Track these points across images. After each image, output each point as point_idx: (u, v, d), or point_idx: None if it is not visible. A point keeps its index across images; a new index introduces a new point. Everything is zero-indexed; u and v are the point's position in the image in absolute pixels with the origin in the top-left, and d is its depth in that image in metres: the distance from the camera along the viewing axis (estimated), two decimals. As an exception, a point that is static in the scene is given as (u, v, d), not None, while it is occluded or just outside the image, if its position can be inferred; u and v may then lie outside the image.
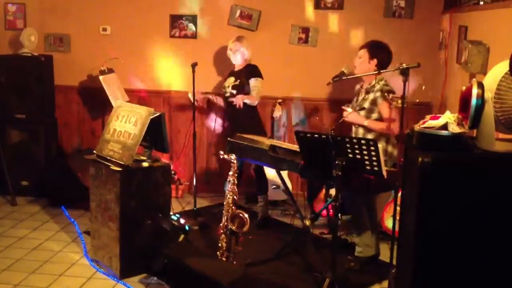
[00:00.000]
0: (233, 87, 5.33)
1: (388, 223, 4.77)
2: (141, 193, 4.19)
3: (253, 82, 5.30)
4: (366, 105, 4.26)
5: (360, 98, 4.38)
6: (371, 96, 4.26)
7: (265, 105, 5.79)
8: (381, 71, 4.24)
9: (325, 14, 5.93)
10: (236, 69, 5.45)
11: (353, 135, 4.36)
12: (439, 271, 2.51)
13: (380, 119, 4.26)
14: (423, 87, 5.10)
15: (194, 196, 5.45)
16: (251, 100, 5.29)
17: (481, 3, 4.23)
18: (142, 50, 6.27)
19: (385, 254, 4.35)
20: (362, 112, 4.28)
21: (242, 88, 5.30)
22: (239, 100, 5.23)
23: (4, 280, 4.11)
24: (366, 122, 4.27)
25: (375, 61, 4.31)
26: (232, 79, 5.40)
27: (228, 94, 5.37)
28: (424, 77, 5.27)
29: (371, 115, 4.27)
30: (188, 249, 4.51)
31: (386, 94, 4.20)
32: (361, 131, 4.31)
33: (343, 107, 4.41)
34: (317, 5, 5.94)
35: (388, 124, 4.20)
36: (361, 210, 4.33)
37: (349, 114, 4.31)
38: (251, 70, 5.36)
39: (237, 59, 5.40)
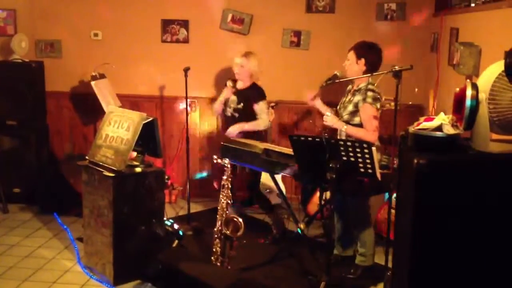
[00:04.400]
0: (235, 110, 5.09)
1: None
2: (134, 199, 4.17)
3: (258, 106, 5.03)
4: (350, 107, 4.24)
5: (347, 100, 4.36)
6: (355, 99, 4.24)
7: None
8: (374, 73, 4.22)
9: (317, 18, 5.94)
10: (240, 87, 5.13)
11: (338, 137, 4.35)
12: (435, 273, 2.50)
13: (361, 124, 4.23)
14: (416, 89, 5.11)
15: (188, 201, 5.43)
16: (254, 127, 5.01)
17: (472, 5, 4.24)
18: (133, 55, 6.25)
19: (380, 257, 4.34)
20: (346, 115, 4.26)
21: (245, 113, 5.05)
22: (234, 130, 4.99)
23: (-4, 288, 4.08)
24: (344, 128, 4.22)
25: (362, 61, 4.27)
26: (235, 99, 5.10)
27: (229, 115, 5.12)
28: (416, 79, 5.28)
29: (354, 119, 4.23)
30: (182, 254, 4.49)
31: (368, 96, 4.16)
32: (344, 134, 4.30)
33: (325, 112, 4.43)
34: (309, 8, 5.94)
35: (367, 133, 4.17)
36: (367, 221, 4.34)
37: (328, 118, 4.30)
38: (256, 94, 5.06)
39: (241, 77, 5.10)
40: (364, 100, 4.16)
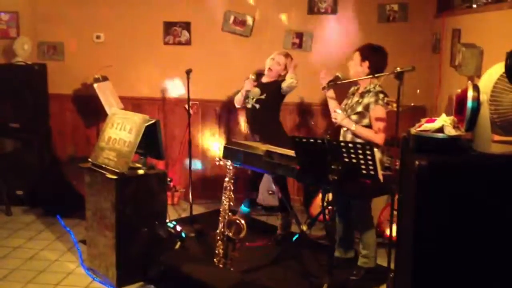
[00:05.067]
0: (257, 101, 5.07)
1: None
2: (137, 201, 4.17)
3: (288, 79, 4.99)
4: (359, 109, 4.25)
5: (354, 101, 4.36)
6: (365, 100, 4.25)
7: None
8: (376, 75, 4.22)
9: (319, 19, 5.95)
10: (265, 80, 5.15)
11: (341, 139, 4.34)
12: (438, 273, 2.50)
13: (370, 125, 4.24)
14: (418, 90, 5.10)
15: (191, 203, 5.43)
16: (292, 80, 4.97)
17: (474, 6, 4.24)
18: (136, 57, 6.27)
19: (382, 258, 4.34)
20: (354, 117, 4.27)
21: (267, 103, 5.06)
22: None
23: (-1, 290, 4.09)
24: (353, 127, 4.23)
25: (367, 63, 4.28)
26: (257, 91, 5.09)
27: (250, 106, 5.12)
28: (418, 80, 5.26)
29: (363, 120, 4.24)
30: (185, 256, 4.50)
31: (380, 98, 4.18)
32: (349, 135, 4.30)
33: (335, 109, 4.42)
34: (311, 10, 5.95)
35: (375, 133, 4.18)
36: (370, 222, 4.34)
37: (339, 115, 4.31)
38: (279, 83, 5.04)
39: (273, 74, 5.09)
40: (376, 102, 4.17)
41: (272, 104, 5.10)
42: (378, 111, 4.18)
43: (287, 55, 5.13)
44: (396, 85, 3.79)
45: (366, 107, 4.22)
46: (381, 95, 4.19)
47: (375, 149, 3.80)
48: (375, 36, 5.50)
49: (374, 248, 4.34)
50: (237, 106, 5.35)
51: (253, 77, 5.12)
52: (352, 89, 4.52)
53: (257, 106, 5.08)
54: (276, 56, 5.11)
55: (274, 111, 5.14)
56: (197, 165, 6.26)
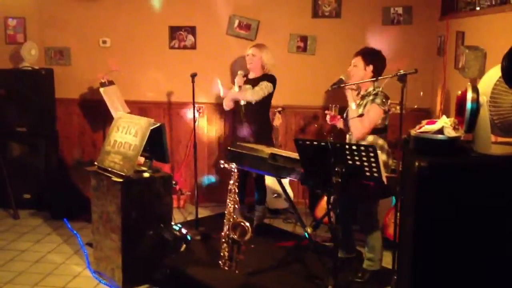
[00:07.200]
0: None
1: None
2: (143, 204, 4.20)
3: (261, 83, 5.18)
4: (361, 111, 4.27)
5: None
6: (365, 101, 4.27)
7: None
8: (379, 77, 4.25)
9: (323, 23, 5.96)
10: (252, 76, 5.34)
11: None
12: (438, 274, 2.51)
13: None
14: (421, 93, 5.12)
15: (196, 206, 5.46)
16: (240, 94, 5.21)
17: (478, 8, 4.25)
18: (142, 62, 6.30)
19: (387, 260, 4.34)
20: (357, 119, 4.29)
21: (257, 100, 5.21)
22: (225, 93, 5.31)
23: (7, 293, 4.13)
24: (357, 111, 4.30)
25: (371, 67, 4.31)
26: (249, 87, 5.24)
27: (243, 103, 5.26)
28: (422, 83, 5.28)
29: None
30: (190, 259, 4.52)
31: (380, 97, 4.20)
32: (354, 139, 4.32)
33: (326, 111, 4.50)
34: (315, 14, 5.97)
35: (362, 127, 4.22)
36: (376, 225, 4.36)
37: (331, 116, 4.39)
38: (266, 77, 5.24)
39: (252, 66, 5.29)
40: (373, 100, 4.20)
41: (261, 99, 5.20)
42: (372, 109, 4.21)
43: (257, 45, 5.35)
44: (400, 87, 3.81)
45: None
46: (380, 94, 4.22)
47: (379, 152, 3.81)
48: (379, 39, 5.53)
49: (380, 251, 4.34)
50: (227, 108, 5.48)
51: (242, 72, 5.28)
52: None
53: (245, 102, 5.23)
54: (249, 50, 5.30)
55: (261, 106, 5.22)
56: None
